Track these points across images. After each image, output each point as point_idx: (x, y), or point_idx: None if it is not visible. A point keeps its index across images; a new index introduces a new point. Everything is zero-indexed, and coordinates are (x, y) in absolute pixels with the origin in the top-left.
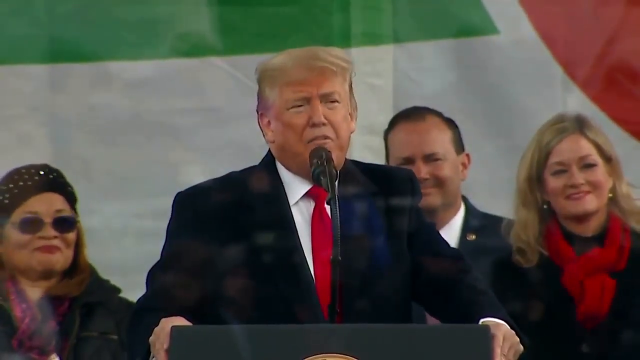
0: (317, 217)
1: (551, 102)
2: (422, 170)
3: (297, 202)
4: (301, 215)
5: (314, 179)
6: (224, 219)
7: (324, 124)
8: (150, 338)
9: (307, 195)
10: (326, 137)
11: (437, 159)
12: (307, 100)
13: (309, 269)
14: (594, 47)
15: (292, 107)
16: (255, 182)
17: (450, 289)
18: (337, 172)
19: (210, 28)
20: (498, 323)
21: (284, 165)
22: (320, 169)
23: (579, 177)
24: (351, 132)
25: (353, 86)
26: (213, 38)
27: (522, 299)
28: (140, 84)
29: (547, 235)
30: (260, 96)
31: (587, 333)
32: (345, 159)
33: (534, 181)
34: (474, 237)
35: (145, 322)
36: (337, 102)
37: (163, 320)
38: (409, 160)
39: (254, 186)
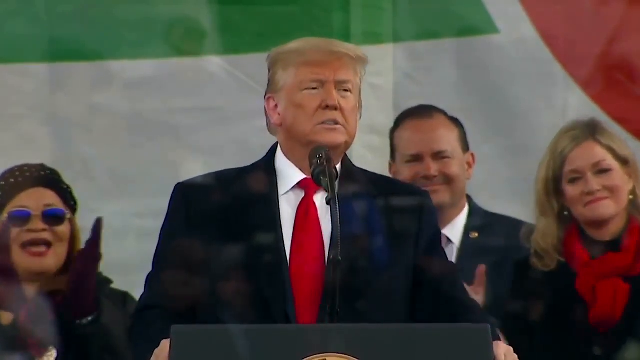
0: (303, 211)
1: (552, 101)
2: (432, 168)
3: (288, 192)
4: (289, 206)
5: (314, 178)
6: (214, 218)
7: (336, 108)
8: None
9: (298, 185)
10: (337, 122)
11: (445, 157)
12: (322, 84)
13: (286, 266)
14: (595, 46)
15: (306, 89)
16: (248, 179)
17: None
18: (337, 171)
19: (211, 27)
20: (496, 343)
21: (285, 152)
22: (320, 168)
23: (595, 183)
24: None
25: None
26: (213, 37)
27: (535, 300)
28: (140, 83)
29: (565, 241)
30: (270, 80)
31: (599, 336)
32: (352, 163)
33: (552, 190)
34: (476, 234)
35: (146, 326)
36: (350, 91)
37: (164, 341)
38: (418, 158)
39: (246, 183)
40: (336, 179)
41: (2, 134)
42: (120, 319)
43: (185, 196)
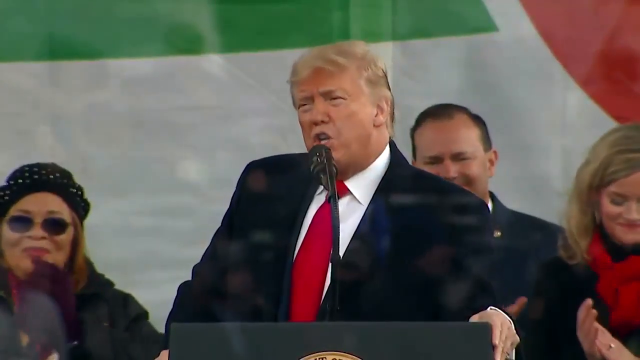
0: (321, 212)
1: (551, 99)
2: (451, 169)
3: (320, 193)
4: (317, 207)
5: (314, 176)
6: (251, 204)
7: (322, 122)
8: None
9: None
10: (325, 136)
11: (465, 158)
12: (311, 99)
13: (290, 265)
14: (594, 44)
15: (300, 106)
16: (297, 171)
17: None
18: (336, 169)
19: (210, 25)
20: (498, 312)
21: None
22: (320, 166)
23: (636, 213)
24: (377, 125)
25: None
26: (212, 35)
27: (556, 298)
28: (139, 82)
29: (591, 240)
30: None
31: (619, 339)
32: (393, 162)
33: (593, 195)
34: (499, 234)
35: (180, 304)
36: (342, 98)
37: (163, 352)
38: (437, 159)
39: (293, 175)
40: (335, 176)
41: (1, 133)
42: (106, 339)
43: (244, 176)
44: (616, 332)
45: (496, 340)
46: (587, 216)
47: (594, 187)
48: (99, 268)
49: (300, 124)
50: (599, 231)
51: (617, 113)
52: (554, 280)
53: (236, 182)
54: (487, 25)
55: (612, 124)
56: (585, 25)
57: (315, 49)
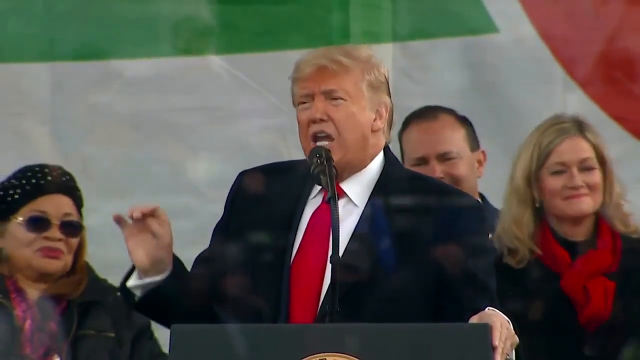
0: (317, 214)
1: (551, 100)
2: (437, 170)
3: (315, 196)
4: (312, 210)
5: (314, 177)
6: (246, 210)
7: (322, 120)
8: None
9: (322, 190)
10: (326, 134)
11: (451, 158)
12: (312, 97)
13: (288, 267)
14: (594, 45)
15: (299, 104)
16: (289, 176)
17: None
18: (336, 171)
19: (211, 26)
20: (496, 312)
21: None
22: (319, 168)
23: (579, 178)
24: (375, 130)
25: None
26: (212, 36)
27: (516, 301)
28: (140, 83)
29: (540, 237)
30: None
31: (589, 335)
32: (388, 164)
33: (532, 180)
34: (490, 235)
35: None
36: (342, 99)
37: None
38: (423, 160)
39: (285, 180)
40: (335, 178)
41: (1, 133)
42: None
43: (237, 183)
44: (586, 329)
45: (496, 341)
46: (527, 209)
47: (532, 172)
48: (100, 269)
49: (298, 122)
50: (548, 226)
51: (617, 114)
52: (517, 287)
53: None
54: (487, 26)
55: (612, 124)
56: (585, 26)
57: (320, 49)
